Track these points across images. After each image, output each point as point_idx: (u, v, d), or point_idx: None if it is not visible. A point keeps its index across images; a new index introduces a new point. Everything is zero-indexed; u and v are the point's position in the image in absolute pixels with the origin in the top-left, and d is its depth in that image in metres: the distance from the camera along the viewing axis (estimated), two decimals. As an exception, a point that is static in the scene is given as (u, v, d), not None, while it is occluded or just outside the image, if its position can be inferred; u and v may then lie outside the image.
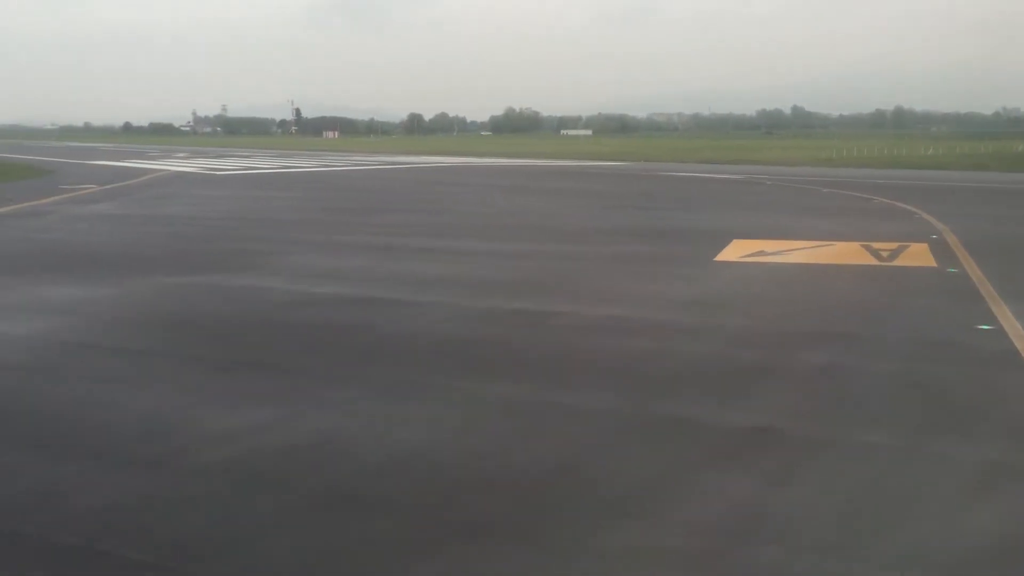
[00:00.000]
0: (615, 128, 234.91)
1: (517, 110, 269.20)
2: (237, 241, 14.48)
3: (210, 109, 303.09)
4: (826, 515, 4.14)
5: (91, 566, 3.68)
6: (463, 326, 8.19)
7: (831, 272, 11.18)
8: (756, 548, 3.80)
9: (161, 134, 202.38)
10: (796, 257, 12.28)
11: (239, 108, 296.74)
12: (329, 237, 15.18)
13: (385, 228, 16.50)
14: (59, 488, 4.45)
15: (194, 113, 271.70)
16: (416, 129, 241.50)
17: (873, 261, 11.92)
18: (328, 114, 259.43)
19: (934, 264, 11.54)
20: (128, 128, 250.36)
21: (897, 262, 11.81)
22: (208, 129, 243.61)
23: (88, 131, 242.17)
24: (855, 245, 13.30)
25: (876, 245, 13.16)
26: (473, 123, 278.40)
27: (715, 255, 12.40)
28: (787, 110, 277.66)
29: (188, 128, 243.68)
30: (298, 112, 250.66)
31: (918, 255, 12.35)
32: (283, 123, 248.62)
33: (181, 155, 56.99)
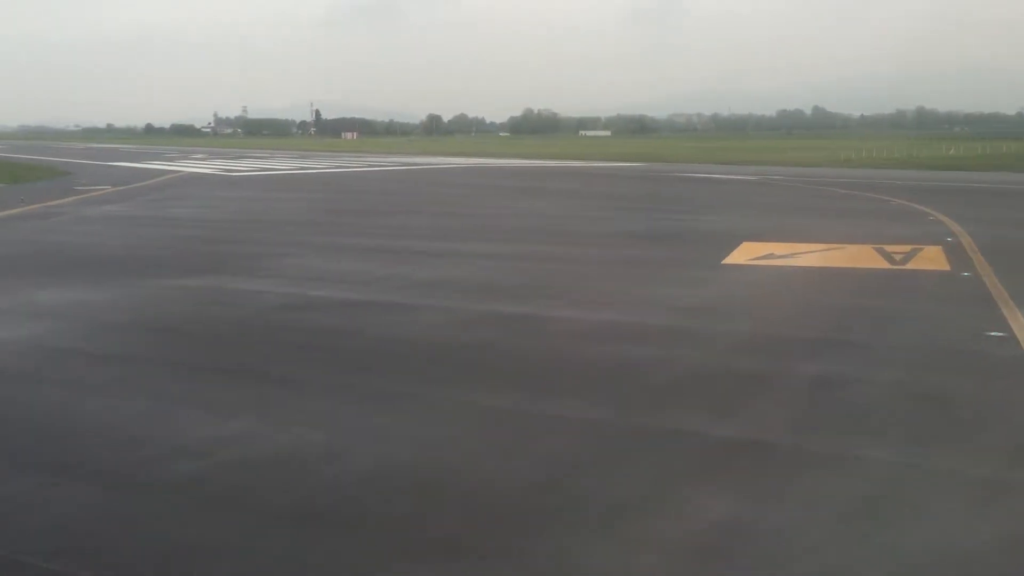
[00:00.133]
0: (634, 129, 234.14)
1: (536, 111, 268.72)
2: (240, 243, 14.36)
3: (231, 111, 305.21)
4: (812, 536, 3.91)
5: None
6: (457, 331, 7.98)
7: (840, 276, 10.90)
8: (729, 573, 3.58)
9: (183, 135, 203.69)
10: (806, 260, 12.00)
11: (260, 110, 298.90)
12: (332, 239, 15.04)
13: (391, 230, 16.34)
14: (7, 507, 4.26)
15: (215, 115, 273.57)
16: (435, 130, 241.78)
17: (885, 264, 11.62)
18: (348, 115, 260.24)
19: (947, 268, 11.23)
20: (150, 129, 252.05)
21: (910, 265, 11.51)
22: (229, 130, 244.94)
23: (111, 132, 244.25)
24: (867, 248, 12.99)
25: (889, 248, 12.86)
26: (492, 124, 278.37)
27: (723, 258, 12.14)
28: (808, 110, 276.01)
29: (209, 130, 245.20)
30: (318, 113, 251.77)
31: (931, 258, 12.04)
32: (303, 124, 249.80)
33: (199, 156, 57.17)
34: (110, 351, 7.25)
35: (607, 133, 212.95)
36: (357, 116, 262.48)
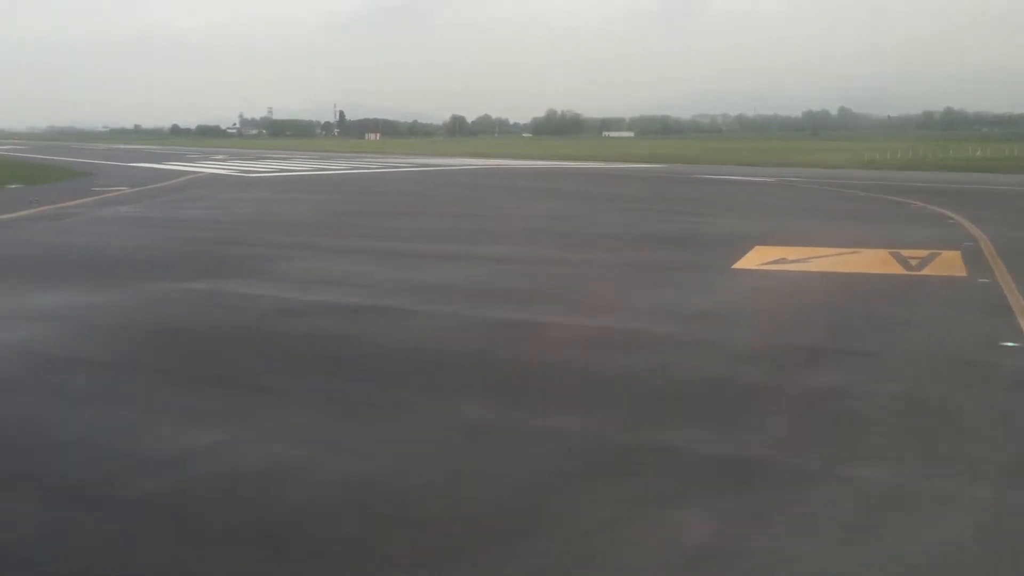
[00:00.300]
0: (658, 130, 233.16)
1: (559, 112, 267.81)
2: (247, 245, 14.25)
3: (257, 111, 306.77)
4: (801, 565, 3.68)
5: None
6: (453, 339, 7.79)
7: (853, 281, 10.61)
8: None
9: (208, 136, 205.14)
10: (818, 265, 11.71)
11: (285, 111, 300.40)
12: (340, 241, 14.90)
13: (400, 232, 16.19)
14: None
15: (241, 115, 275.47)
16: (458, 131, 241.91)
17: (900, 270, 11.31)
18: (372, 116, 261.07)
19: (964, 274, 10.91)
20: (176, 130, 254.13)
21: (925, 271, 11.19)
22: (254, 131, 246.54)
23: (138, 133, 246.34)
24: (883, 252, 12.68)
25: (905, 252, 12.54)
26: (516, 125, 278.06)
27: (734, 263, 11.87)
28: (834, 111, 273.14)
29: (234, 130, 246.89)
30: (341, 114, 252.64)
31: (949, 263, 11.71)
32: (326, 125, 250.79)
33: (219, 157, 57.41)
34: (94, 357, 7.10)
35: (630, 134, 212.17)
36: (381, 117, 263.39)
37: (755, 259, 12.24)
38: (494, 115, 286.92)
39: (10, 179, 30.37)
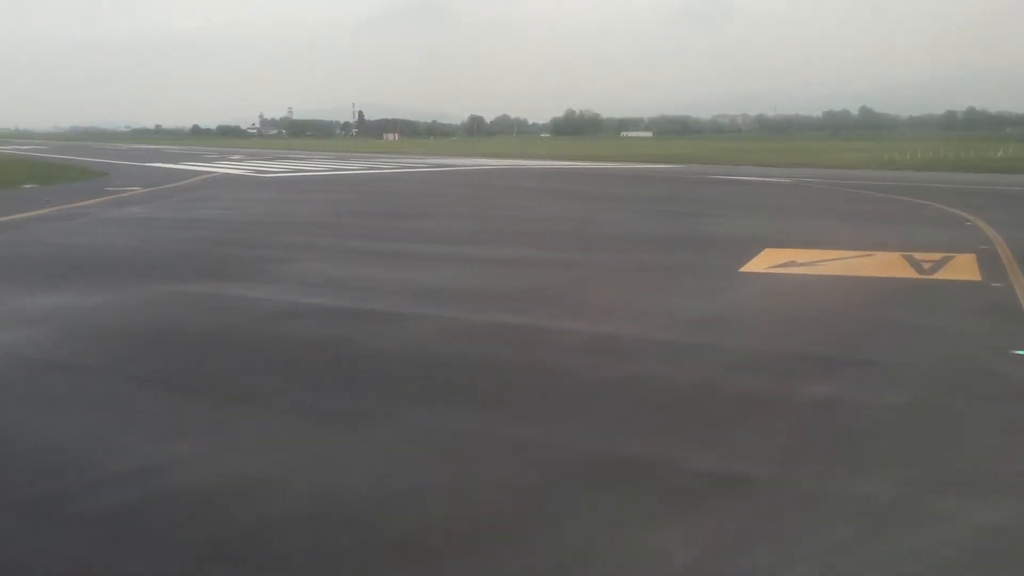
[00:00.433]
0: (677, 130, 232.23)
1: (577, 112, 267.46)
2: (251, 247, 14.14)
3: (277, 112, 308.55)
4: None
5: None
6: (447, 344, 7.60)
7: (863, 285, 10.36)
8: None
9: (228, 136, 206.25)
10: (828, 269, 11.46)
11: (305, 111, 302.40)
12: (346, 242, 14.77)
13: (407, 233, 16.05)
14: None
15: (261, 116, 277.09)
16: (477, 131, 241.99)
17: (912, 274, 11.04)
18: (390, 116, 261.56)
19: (978, 278, 10.63)
20: (196, 131, 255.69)
21: (938, 275, 10.91)
22: (274, 131, 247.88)
23: (159, 133, 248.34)
24: (896, 255, 12.40)
25: (919, 256, 12.26)
26: (534, 125, 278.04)
27: (742, 266, 11.64)
28: (854, 111, 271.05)
29: (254, 130, 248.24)
30: (361, 114, 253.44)
31: (963, 267, 11.42)
32: (346, 125, 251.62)
33: (236, 157, 57.54)
34: (76, 361, 6.97)
35: (649, 134, 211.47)
36: (399, 117, 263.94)
37: (764, 262, 12.01)
38: (513, 115, 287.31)
39: (27, 179, 30.52)
